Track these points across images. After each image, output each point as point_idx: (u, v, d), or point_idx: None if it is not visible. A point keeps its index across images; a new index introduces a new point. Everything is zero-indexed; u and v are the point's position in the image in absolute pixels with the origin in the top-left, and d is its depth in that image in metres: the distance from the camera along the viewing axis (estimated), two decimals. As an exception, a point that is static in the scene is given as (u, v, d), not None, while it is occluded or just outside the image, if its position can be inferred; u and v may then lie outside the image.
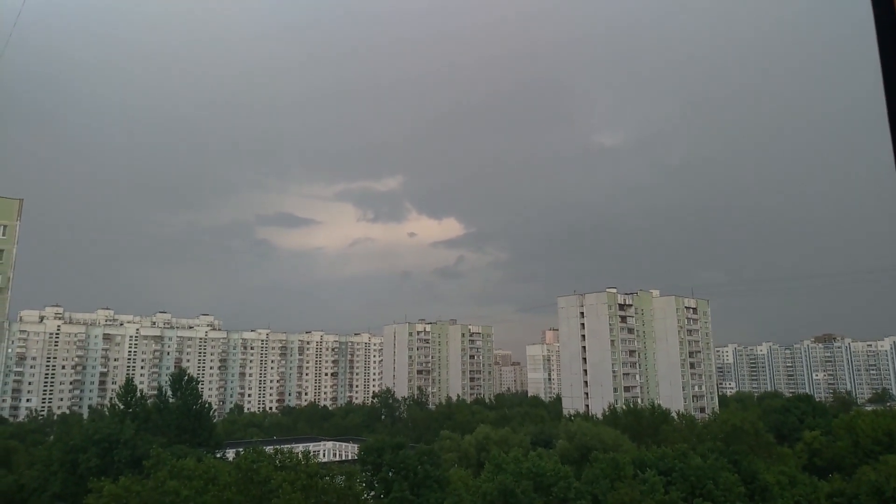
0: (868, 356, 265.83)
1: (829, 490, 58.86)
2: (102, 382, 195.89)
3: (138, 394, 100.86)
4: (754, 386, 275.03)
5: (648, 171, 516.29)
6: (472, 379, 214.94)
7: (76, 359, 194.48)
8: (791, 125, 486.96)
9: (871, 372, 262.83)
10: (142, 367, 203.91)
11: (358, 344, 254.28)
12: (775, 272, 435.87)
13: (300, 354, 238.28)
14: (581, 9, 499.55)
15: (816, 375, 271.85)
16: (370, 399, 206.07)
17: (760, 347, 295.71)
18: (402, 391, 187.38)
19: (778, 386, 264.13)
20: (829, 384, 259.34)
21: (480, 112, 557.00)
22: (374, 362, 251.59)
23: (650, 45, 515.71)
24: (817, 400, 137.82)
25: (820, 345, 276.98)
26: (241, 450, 70.02)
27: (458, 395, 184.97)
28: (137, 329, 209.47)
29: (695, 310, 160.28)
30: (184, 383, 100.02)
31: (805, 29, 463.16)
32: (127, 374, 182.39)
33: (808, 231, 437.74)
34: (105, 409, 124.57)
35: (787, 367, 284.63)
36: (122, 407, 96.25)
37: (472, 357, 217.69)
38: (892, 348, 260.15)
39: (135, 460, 71.54)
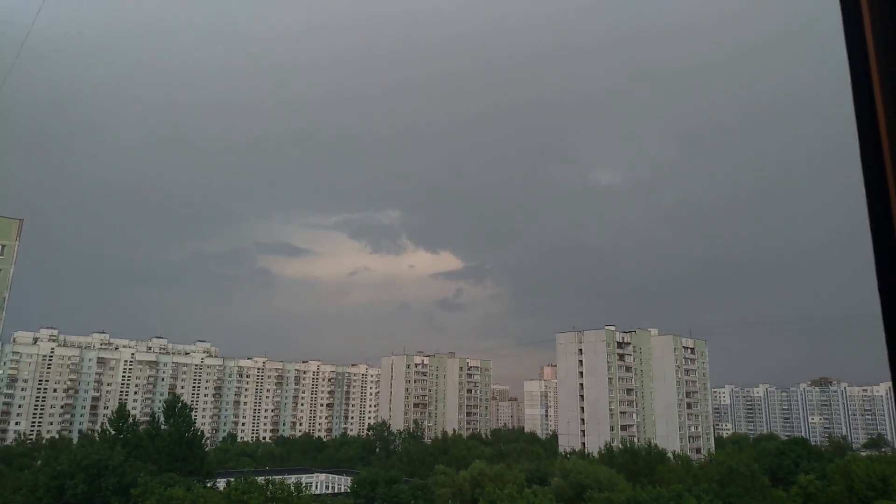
0: (863, 401, 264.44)
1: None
2: (94, 407, 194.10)
3: (130, 419, 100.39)
4: (750, 427, 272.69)
5: (646, 211, 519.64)
6: (468, 413, 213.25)
7: (68, 382, 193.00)
8: (788, 168, 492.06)
9: (867, 417, 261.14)
10: (135, 393, 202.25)
11: (355, 375, 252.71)
12: (773, 314, 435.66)
13: (296, 384, 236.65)
14: (580, 49, 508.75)
15: (812, 419, 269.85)
16: (365, 431, 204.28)
17: (757, 389, 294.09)
18: (397, 424, 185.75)
19: (774, 428, 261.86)
20: (825, 428, 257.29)
21: (479, 147, 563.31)
22: (371, 394, 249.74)
23: (646, 85, 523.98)
24: (813, 443, 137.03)
25: (816, 388, 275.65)
26: (232, 479, 69.53)
27: (455, 430, 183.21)
28: (133, 354, 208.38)
29: (692, 350, 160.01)
30: (177, 410, 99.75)
31: (805, 72, 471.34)
32: (120, 399, 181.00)
33: (806, 274, 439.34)
34: (95, 435, 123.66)
35: (784, 409, 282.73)
36: (112, 433, 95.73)
37: (469, 391, 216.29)
38: (887, 393, 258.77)
39: (122, 488, 71.05)
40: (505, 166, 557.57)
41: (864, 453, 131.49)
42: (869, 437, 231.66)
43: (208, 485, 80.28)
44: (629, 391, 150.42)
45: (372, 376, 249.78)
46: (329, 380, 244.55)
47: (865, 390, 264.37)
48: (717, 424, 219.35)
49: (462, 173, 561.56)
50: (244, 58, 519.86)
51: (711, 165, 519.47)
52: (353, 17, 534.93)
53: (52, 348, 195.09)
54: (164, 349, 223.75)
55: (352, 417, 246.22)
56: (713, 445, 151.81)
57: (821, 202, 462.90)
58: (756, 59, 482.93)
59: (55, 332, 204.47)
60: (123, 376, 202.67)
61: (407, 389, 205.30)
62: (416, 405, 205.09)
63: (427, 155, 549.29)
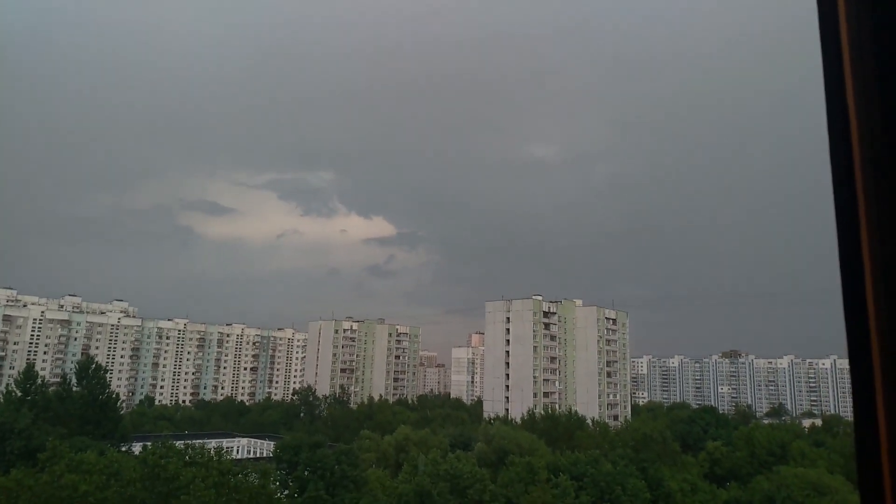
0: (768, 372, 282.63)
1: (726, 497, 62.36)
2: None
3: (39, 381, 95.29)
4: (665, 396, 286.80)
5: (577, 186, 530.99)
6: (395, 379, 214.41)
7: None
8: (713, 153, 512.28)
9: (770, 387, 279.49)
10: (45, 353, 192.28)
11: (281, 339, 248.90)
12: (691, 289, 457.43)
13: (219, 347, 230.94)
14: (518, 23, 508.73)
15: (722, 388, 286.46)
16: (290, 396, 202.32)
17: (672, 360, 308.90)
18: (323, 389, 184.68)
19: (686, 397, 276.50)
20: (733, 397, 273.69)
21: (417, 114, 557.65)
22: (297, 358, 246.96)
23: (586, 66, 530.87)
24: (721, 412, 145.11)
25: (726, 360, 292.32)
26: (148, 444, 67.11)
27: (381, 395, 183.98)
28: (43, 312, 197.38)
29: (614, 321, 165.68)
30: (91, 372, 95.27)
31: (730, 60, 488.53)
32: (28, 359, 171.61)
33: (723, 253, 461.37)
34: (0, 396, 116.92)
35: (696, 379, 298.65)
36: (19, 394, 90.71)
37: (397, 357, 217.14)
38: (789, 366, 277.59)
39: (29, 452, 67.41)
40: (442, 134, 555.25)
41: (766, 421, 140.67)
42: (771, 407, 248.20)
43: (123, 449, 77.41)
44: (553, 359, 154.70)
45: (298, 341, 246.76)
46: (253, 343, 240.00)
47: (770, 363, 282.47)
48: (635, 393, 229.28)
49: (399, 139, 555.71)
50: (180, 6, 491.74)
51: (641, 146, 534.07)
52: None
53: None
54: (77, 308, 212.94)
55: (276, 382, 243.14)
56: (630, 413, 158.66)
57: (740, 187, 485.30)
58: (695, 45, 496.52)
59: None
60: (32, 335, 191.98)
61: (334, 355, 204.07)
62: (343, 370, 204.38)
63: (364, 118, 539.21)
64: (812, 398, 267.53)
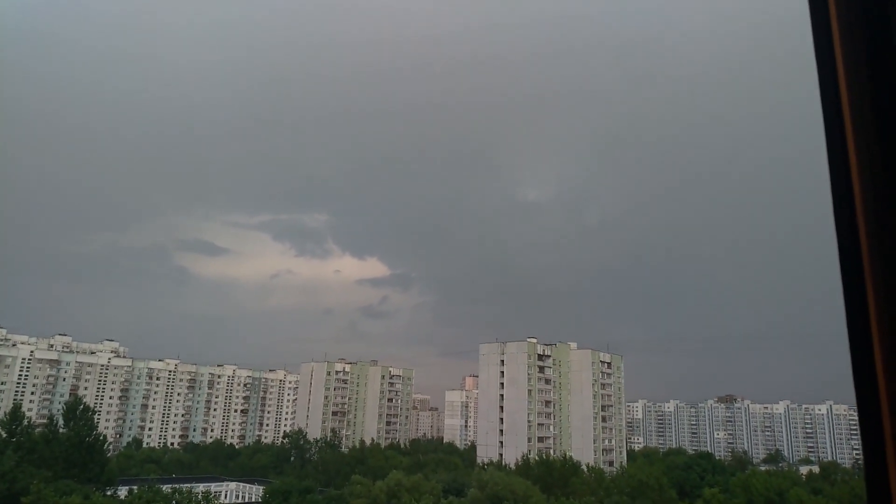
0: (764, 418, 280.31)
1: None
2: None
3: (25, 422, 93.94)
4: (661, 441, 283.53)
5: (569, 228, 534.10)
6: (388, 423, 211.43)
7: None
8: (705, 193, 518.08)
9: (767, 433, 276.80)
10: (32, 393, 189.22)
11: (272, 380, 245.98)
12: (685, 333, 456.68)
13: (209, 388, 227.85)
14: (507, 66, 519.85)
15: (717, 434, 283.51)
16: (280, 439, 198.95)
17: (668, 404, 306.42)
18: (315, 432, 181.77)
19: (682, 442, 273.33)
20: (729, 443, 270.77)
21: (407, 156, 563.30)
22: (288, 401, 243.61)
23: (574, 104, 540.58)
24: (717, 458, 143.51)
25: (722, 405, 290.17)
26: (135, 488, 65.88)
27: (373, 439, 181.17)
28: (32, 351, 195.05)
29: (609, 364, 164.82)
30: (78, 413, 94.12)
31: (726, 90, 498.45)
32: (15, 399, 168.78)
33: (717, 296, 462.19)
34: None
35: (692, 424, 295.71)
36: (4, 435, 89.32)
37: (390, 400, 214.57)
38: (785, 411, 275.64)
39: (13, 495, 66.17)
40: (435, 175, 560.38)
41: (763, 468, 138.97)
42: (768, 453, 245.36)
43: (108, 493, 75.92)
44: (547, 403, 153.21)
45: (290, 383, 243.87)
46: (245, 385, 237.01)
47: (766, 408, 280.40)
48: (630, 438, 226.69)
49: (392, 180, 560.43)
50: (175, 48, 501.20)
51: (632, 186, 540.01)
52: (284, 12, 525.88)
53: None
54: (67, 347, 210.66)
55: (267, 425, 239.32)
56: (625, 458, 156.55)
57: (734, 229, 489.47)
58: (685, 77, 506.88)
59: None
60: (20, 375, 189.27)
61: (326, 397, 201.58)
62: (334, 413, 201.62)
63: (358, 159, 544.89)
64: (809, 444, 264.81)
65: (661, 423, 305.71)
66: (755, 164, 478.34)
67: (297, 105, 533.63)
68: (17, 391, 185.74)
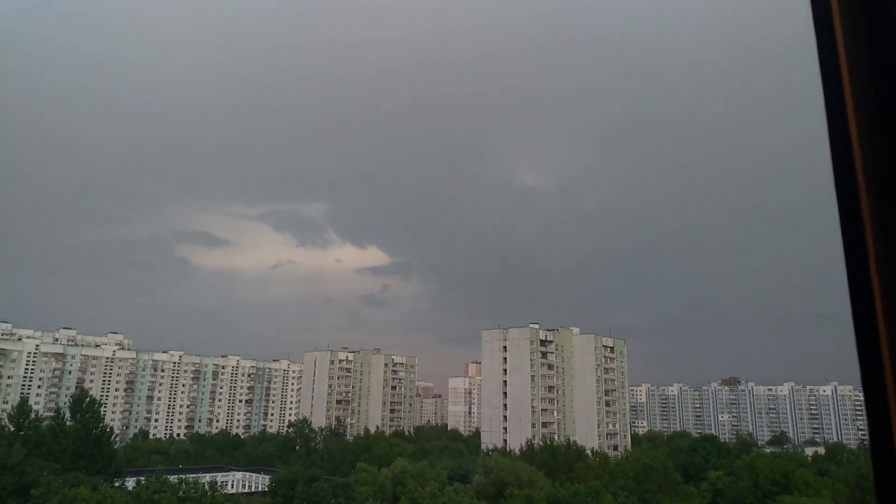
0: (768, 399, 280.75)
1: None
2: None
3: (32, 415, 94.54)
4: (665, 425, 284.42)
5: (568, 213, 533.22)
6: (392, 410, 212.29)
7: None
8: (706, 174, 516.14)
9: (771, 415, 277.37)
10: (39, 387, 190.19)
11: (276, 370, 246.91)
12: (688, 315, 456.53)
13: (214, 379, 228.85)
14: (506, 46, 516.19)
15: (722, 417, 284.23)
16: (285, 428, 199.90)
17: (671, 388, 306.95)
18: (319, 421, 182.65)
19: (686, 426, 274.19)
20: (733, 425, 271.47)
21: (406, 146, 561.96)
22: (293, 390, 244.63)
23: (571, 89, 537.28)
24: (722, 441, 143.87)
25: (726, 387, 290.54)
26: (142, 479, 66.23)
27: (378, 427, 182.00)
28: (37, 345, 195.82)
29: (612, 349, 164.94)
30: (85, 406, 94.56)
31: (724, 76, 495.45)
32: (21, 393, 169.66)
33: (719, 277, 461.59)
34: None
35: (696, 407, 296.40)
36: (12, 429, 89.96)
37: (393, 388, 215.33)
38: (790, 393, 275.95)
39: (22, 488, 66.62)
40: (434, 164, 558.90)
41: (768, 450, 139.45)
42: (772, 435, 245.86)
43: (116, 484, 76.36)
44: (551, 388, 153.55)
45: (294, 372, 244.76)
46: (249, 375, 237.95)
47: (770, 389, 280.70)
48: (634, 422, 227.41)
49: (391, 168, 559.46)
50: (173, 38, 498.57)
51: (634, 167, 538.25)
52: (283, 9, 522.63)
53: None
54: (72, 341, 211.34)
55: (272, 414, 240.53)
56: (630, 443, 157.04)
57: (734, 211, 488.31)
58: (679, 65, 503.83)
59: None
60: (26, 369, 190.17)
61: (330, 386, 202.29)
62: (338, 402, 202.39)
63: (355, 146, 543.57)
64: (814, 426, 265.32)
65: (665, 407, 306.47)
66: (755, 144, 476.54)
67: (295, 97, 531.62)
68: (23, 385, 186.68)
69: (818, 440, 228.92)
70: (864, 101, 1.63)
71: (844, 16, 1.68)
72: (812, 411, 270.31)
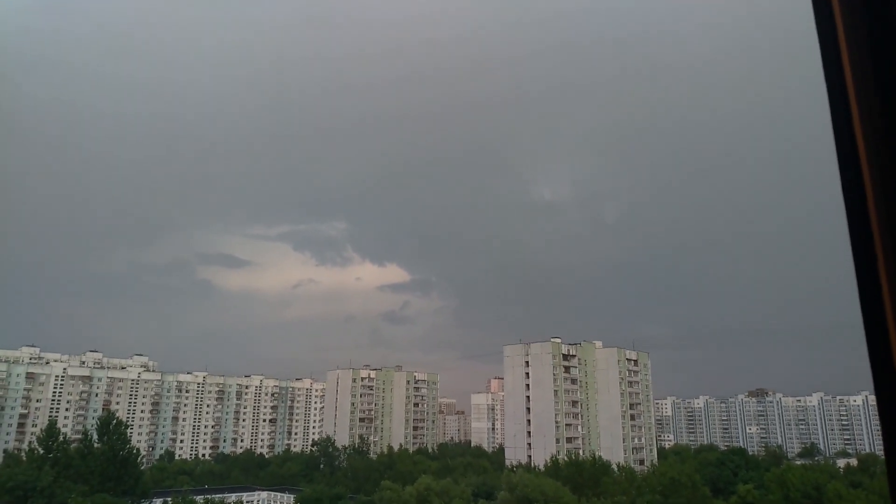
0: (797, 411, 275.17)
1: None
2: (22, 425, 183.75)
3: (61, 438, 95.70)
4: (691, 438, 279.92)
5: (589, 227, 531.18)
6: (415, 427, 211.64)
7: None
8: (727, 184, 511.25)
9: (801, 426, 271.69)
10: (67, 410, 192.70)
11: (299, 389, 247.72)
12: (713, 327, 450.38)
13: (238, 399, 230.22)
14: (517, 68, 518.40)
15: (750, 429, 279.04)
16: (309, 447, 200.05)
17: (697, 401, 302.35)
18: (342, 439, 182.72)
19: (713, 438, 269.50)
20: (762, 437, 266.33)
21: (422, 161, 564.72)
22: (315, 409, 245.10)
23: (589, 101, 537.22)
24: (750, 453, 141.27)
25: (753, 399, 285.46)
26: (168, 499, 66.78)
27: (401, 444, 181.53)
28: (65, 368, 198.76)
29: (636, 362, 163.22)
30: (112, 427, 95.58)
31: (746, 90, 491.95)
32: (50, 416, 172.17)
33: (744, 288, 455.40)
34: (23, 454, 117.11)
35: (723, 420, 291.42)
36: (41, 452, 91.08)
37: (416, 405, 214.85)
38: (819, 403, 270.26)
39: (52, 510, 67.39)
40: (451, 179, 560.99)
41: (798, 462, 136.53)
42: (803, 447, 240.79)
43: (143, 505, 77.07)
44: (574, 403, 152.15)
45: (316, 391, 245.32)
46: (272, 395, 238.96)
47: (799, 400, 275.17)
48: (660, 436, 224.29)
49: (408, 186, 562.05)
50: (195, 60, 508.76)
51: (651, 181, 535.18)
52: (294, 24, 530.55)
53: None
54: (98, 363, 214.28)
55: (295, 433, 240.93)
56: (656, 457, 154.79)
57: (757, 219, 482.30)
58: (697, 77, 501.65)
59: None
60: (54, 392, 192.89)
61: (353, 404, 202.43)
62: (361, 420, 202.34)
63: (373, 166, 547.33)
64: (845, 437, 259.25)
65: (692, 420, 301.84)
66: (774, 153, 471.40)
67: (310, 116, 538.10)
68: (52, 408, 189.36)
69: (850, 451, 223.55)
70: (867, 102, 1.63)
71: (846, 16, 1.68)
72: (843, 422, 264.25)
